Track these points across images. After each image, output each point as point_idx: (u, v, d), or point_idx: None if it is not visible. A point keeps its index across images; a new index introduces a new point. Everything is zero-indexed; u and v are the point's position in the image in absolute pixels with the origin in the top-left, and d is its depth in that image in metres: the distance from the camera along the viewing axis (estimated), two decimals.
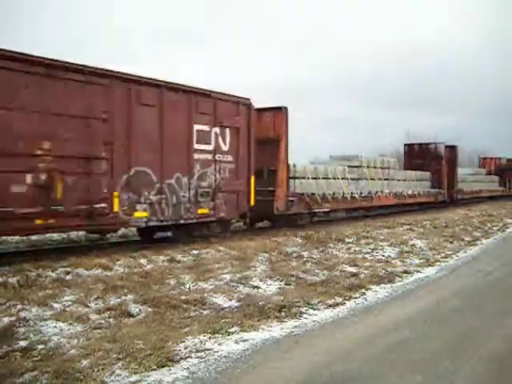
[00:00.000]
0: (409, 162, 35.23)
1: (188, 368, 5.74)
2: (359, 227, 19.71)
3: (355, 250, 14.33)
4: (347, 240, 16.06)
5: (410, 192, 29.24)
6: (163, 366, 5.72)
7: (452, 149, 36.28)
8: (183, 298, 8.44)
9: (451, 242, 16.57)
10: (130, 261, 11.39)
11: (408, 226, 20.54)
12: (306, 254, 13.27)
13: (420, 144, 36.22)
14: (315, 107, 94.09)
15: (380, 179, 26.96)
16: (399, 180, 29.41)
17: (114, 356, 5.87)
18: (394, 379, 5.47)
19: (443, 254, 14.25)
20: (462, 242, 16.98)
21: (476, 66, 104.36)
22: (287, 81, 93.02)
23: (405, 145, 37.64)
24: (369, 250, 14.37)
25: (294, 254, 13.12)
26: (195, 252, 12.92)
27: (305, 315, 7.99)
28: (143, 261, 11.56)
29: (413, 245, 15.51)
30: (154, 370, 5.61)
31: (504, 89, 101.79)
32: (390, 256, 13.65)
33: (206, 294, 8.70)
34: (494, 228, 21.56)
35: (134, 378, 5.41)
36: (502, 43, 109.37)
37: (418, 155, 35.15)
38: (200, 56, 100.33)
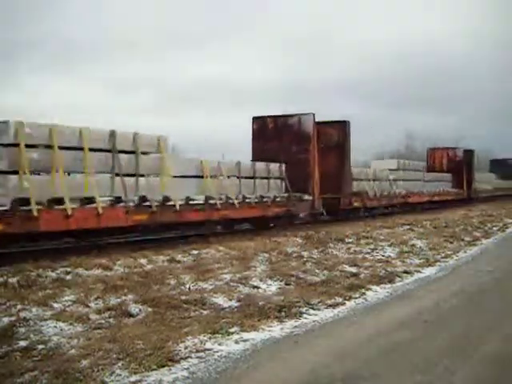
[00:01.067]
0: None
1: (188, 368, 5.74)
2: (359, 227, 19.72)
3: (355, 250, 14.34)
4: (347, 240, 16.07)
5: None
6: (163, 366, 5.71)
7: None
8: (183, 298, 8.44)
9: (451, 242, 16.57)
10: (130, 261, 11.39)
11: (408, 226, 20.56)
12: (305, 254, 13.27)
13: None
14: (315, 107, 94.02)
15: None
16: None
17: (114, 356, 5.87)
18: (393, 379, 5.47)
19: (443, 254, 14.25)
20: (462, 242, 16.98)
21: (478, 66, 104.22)
22: (288, 80, 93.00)
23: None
24: (369, 250, 14.37)
25: (294, 254, 13.12)
26: (195, 252, 12.93)
27: (305, 315, 7.98)
28: (143, 261, 11.57)
29: (413, 245, 15.51)
30: (154, 369, 5.61)
31: (506, 88, 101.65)
32: (390, 256, 13.65)
33: (206, 294, 8.70)
34: (494, 228, 21.57)
35: (134, 378, 5.41)
36: (504, 44, 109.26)
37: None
38: (201, 56, 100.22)
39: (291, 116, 21.56)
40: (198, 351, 6.22)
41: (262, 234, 17.04)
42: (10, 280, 9.21)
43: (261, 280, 10.06)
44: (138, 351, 6.00)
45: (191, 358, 6.04)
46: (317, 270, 11.17)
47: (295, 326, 7.43)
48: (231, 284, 9.64)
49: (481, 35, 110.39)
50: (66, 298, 8.28)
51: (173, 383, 5.35)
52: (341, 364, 5.90)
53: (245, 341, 6.69)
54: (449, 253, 14.56)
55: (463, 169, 39.21)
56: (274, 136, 21.17)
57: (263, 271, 10.86)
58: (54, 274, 9.88)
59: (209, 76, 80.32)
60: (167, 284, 9.47)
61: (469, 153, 40.79)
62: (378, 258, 13.37)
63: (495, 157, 65.40)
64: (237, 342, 6.63)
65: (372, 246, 15.00)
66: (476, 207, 34.34)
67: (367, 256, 13.54)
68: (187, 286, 9.30)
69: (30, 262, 10.59)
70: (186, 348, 6.26)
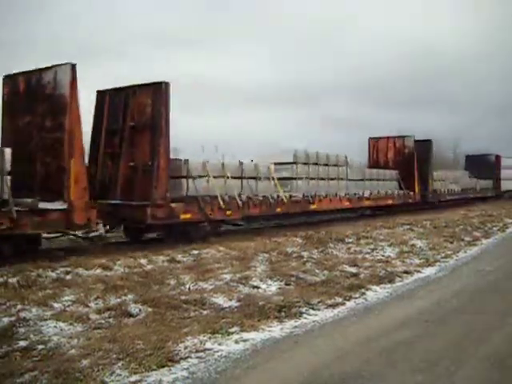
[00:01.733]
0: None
1: (188, 368, 5.74)
2: (359, 227, 19.71)
3: (355, 250, 14.33)
4: (347, 240, 16.06)
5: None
6: (163, 366, 5.71)
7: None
8: (183, 298, 8.44)
9: (451, 242, 16.56)
10: (130, 261, 11.40)
11: (408, 226, 20.54)
12: (305, 254, 13.26)
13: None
14: (316, 106, 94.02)
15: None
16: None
17: (114, 356, 5.87)
18: (394, 379, 5.46)
19: (443, 254, 14.24)
20: (462, 242, 16.97)
21: (480, 66, 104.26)
22: (288, 80, 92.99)
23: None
24: (369, 250, 14.36)
25: (294, 254, 13.11)
26: (195, 252, 12.93)
27: (305, 315, 7.98)
28: (143, 261, 11.57)
29: (413, 245, 15.50)
30: (154, 370, 5.61)
31: (508, 89, 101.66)
32: (390, 256, 13.64)
33: (206, 294, 8.69)
34: (494, 228, 21.56)
35: (133, 377, 5.41)
36: (506, 44, 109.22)
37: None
38: (200, 56, 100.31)
39: (47, 70, 13.39)
40: (197, 351, 6.22)
41: (262, 234, 17.03)
42: (10, 280, 9.22)
43: (261, 280, 10.06)
44: (137, 351, 6.00)
45: (191, 358, 6.04)
46: (317, 270, 11.17)
47: (295, 326, 7.43)
48: (231, 284, 9.63)
49: (485, 35, 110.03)
50: (66, 297, 8.28)
51: (173, 383, 5.35)
52: (341, 364, 5.89)
53: (245, 341, 6.69)
54: (449, 253, 14.55)
55: (415, 164, 30.07)
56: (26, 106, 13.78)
57: (263, 271, 10.86)
58: (53, 274, 9.89)
59: (207, 75, 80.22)
60: (167, 284, 9.47)
61: (424, 144, 31.85)
62: (378, 257, 13.36)
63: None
64: (237, 342, 6.63)
65: (372, 246, 14.99)
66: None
67: (367, 256, 13.54)
68: (187, 286, 9.30)
69: (29, 261, 10.59)
70: (185, 348, 6.26)
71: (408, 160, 30.50)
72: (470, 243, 16.78)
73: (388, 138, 32.23)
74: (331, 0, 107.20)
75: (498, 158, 48.93)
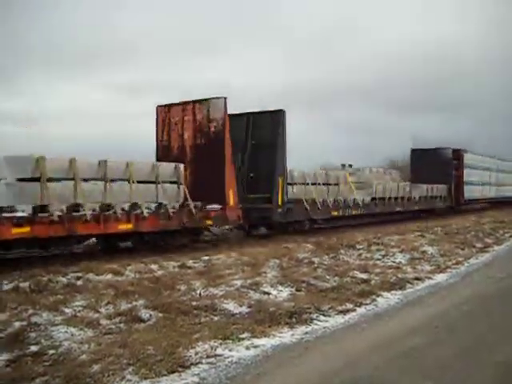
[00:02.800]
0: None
1: (198, 374, 5.74)
2: (370, 233, 19.64)
3: (366, 257, 14.29)
4: (358, 246, 16.00)
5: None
6: (174, 372, 5.72)
7: None
8: (194, 303, 8.44)
9: (462, 249, 16.47)
10: (140, 266, 11.42)
11: (419, 233, 20.43)
12: (316, 260, 13.23)
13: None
14: (321, 110, 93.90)
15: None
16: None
17: (125, 361, 5.87)
18: None
19: (454, 261, 14.17)
20: (474, 248, 16.88)
21: (486, 69, 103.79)
22: (294, 84, 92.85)
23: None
24: (380, 257, 14.31)
25: (305, 261, 13.08)
26: (206, 258, 12.94)
27: (315, 321, 7.96)
28: (154, 266, 11.59)
29: (424, 251, 15.43)
30: (165, 375, 5.62)
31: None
32: (400, 262, 13.58)
33: (216, 300, 8.69)
34: (507, 235, 21.42)
35: (144, 383, 5.42)
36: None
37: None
38: (211, 63, 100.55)
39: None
40: (208, 357, 6.22)
41: (273, 240, 17.03)
42: (22, 285, 9.28)
43: (272, 286, 10.04)
44: (148, 357, 6.00)
45: (202, 363, 6.04)
46: (327, 276, 11.14)
47: (306, 332, 7.41)
48: (242, 290, 9.62)
49: (491, 39, 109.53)
50: (77, 303, 8.31)
51: None
52: (352, 370, 5.87)
53: (255, 347, 6.68)
54: (460, 259, 14.47)
55: (225, 154, 17.13)
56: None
57: (274, 277, 10.84)
58: (64, 280, 9.93)
59: (221, 80, 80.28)
60: (178, 290, 9.48)
61: (263, 117, 20.07)
62: (389, 264, 13.30)
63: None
64: (247, 348, 6.62)
65: (383, 253, 14.93)
66: None
67: (378, 262, 13.48)
68: (198, 292, 9.30)
69: (41, 267, 10.64)
70: (196, 354, 6.26)
71: (213, 146, 17.37)
72: (481, 250, 16.65)
73: (185, 103, 18.24)
74: (342, 6, 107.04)
75: (457, 153, 35.60)
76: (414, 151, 37.14)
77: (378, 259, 13.95)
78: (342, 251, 14.90)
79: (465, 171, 35.64)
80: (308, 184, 21.58)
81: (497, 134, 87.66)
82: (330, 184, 23.16)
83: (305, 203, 20.92)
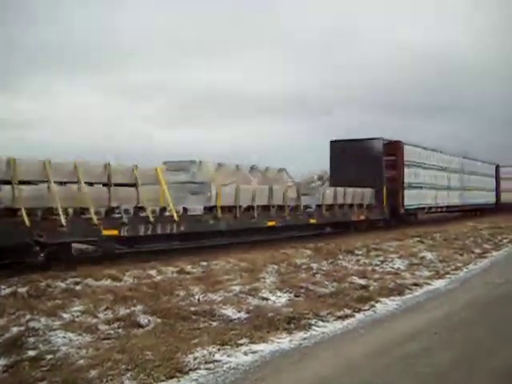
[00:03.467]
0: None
1: (197, 379, 5.73)
2: (369, 239, 19.63)
3: (365, 262, 14.28)
4: (357, 252, 15.99)
5: None
6: (172, 377, 5.71)
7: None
8: (192, 309, 8.43)
9: (461, 255, 16.48)
10: (139, 272, 11.39)
11: (418, 238, 20.44)
12: (315, 265, 13.22)
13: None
14: (321, 111, 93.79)
15: None
16: None
17: (123, 367, 5.86)
18: None
19: (453, 267, 14.18)
20: (472, 254, 16.89)
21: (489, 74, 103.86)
22: (298, 90, 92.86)
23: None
24: (378, 262, 14.31)
25: (304, 266, 13.07)
26: (204, 263, 12.91)
27: (314, 327, 7.96)
28: (153, 272, 11.56)
29: (422, 257, 15.44)
30: (163, 381, 5.61)
31: None
32: (399, 268, 13.59)
33: (215, 306, 8.68)
34: (505, 240, 21.44)
35: None
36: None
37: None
38: (211, 63, 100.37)
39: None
40: (206, 362, 6.22)
41: (271, 246, 17.01)
42: (20, 290, 9.25)
43: (270, 292, 10.03)
44: (146, 362, 5.99)
45: (200, 369, 6.03)
46: (326, 282, 11.14)
47: (304, 338, 7.41)
48: (240, 295, 9.62)
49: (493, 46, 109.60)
50: (75, 308, 8.29)
51: None
52: (350, 376, 5.87)
53: (254, 352, 6.67)
54: (459, 265, 14.48)
55: None
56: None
57: (272, 283, 10.83)
58: (63, 285, 9.90)
59: (220, 84, 80.00)
60: (176, 295, 9.46)
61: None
62: (388, 270, 13.31)
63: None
64: (246, 354, 6.61)
65: (381, 258, 14.93)
66: None
67: (377, 268, 13.49)
68: (196, 298, 9.29)
69: (39, 272, 10.62)
70: (195, 359, 6.25)
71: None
72: (480, 255, 16.66)
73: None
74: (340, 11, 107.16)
75: (394, 146, 27.07)
76: (333, 143, 27.18)
77: (377, 265, 13.95)
78: (341, 257, 14.89)
79: (406, 171, 27.29)
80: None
81: (496, 139, 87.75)
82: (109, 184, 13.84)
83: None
